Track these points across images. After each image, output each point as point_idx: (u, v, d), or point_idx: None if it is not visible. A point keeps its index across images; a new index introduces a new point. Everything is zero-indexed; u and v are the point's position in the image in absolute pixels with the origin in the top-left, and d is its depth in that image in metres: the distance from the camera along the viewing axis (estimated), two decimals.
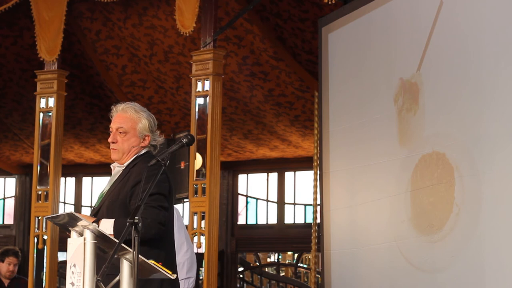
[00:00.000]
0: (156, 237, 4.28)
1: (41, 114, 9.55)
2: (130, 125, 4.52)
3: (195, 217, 8.20)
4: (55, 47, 9.41)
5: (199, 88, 8.34)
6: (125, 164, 4.55)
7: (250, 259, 13.74)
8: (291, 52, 9.86)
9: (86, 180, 14.08)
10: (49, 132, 9.47)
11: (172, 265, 4.41)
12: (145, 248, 3.93)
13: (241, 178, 13.26)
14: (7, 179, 14.25)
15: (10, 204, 14.22)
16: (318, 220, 8.31)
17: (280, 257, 13.80)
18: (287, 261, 13.78)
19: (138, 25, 10.16)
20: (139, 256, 3.83)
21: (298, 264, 13.28)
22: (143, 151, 4.58)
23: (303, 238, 10.90)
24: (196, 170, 8.26)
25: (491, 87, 5.53)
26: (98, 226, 4.14)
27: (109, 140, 4.54)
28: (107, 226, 4.29)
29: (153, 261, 4.00)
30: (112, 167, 4.64)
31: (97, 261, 3.99)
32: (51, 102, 9.53)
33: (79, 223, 4.05)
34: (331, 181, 7.50)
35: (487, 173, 5.50)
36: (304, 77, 10.09)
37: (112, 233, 4.22)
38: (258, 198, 13.19)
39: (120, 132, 4.52)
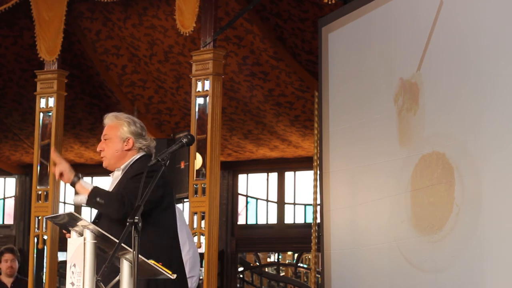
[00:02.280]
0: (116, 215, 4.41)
1: (41, 114, 9.54)
2: (112, 132, 4.74)
3: (195, 217, 8.20)
4: (55, 47, 9.40)
5: (199, 88, 8.34)
6: (122, 167, 4.72)
7: (250, 259, 13.73)
8: (291, 52, 9.86)
9: (86, 180, 14.05)
10: (49, 132, 9.46)
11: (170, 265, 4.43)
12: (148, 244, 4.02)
13: (241, 178, 13.26)
14: (7, 179, 14.25)
15: (10, 204, 14.21)
16: (318, 220, 8.31)
17: (280, 257, 13.80)
18: (287, 261, 13.77)
19: (138, 25, 10.15)
20: (139, 256, 3.84)
21: (298, 264, 13.28)
22: (139, 155, 4.73)
23: (303, 238, 10.89)
24: (196, 170, 8.25)
25: (491, 87, 5.53)
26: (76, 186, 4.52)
27: (97, 149, 4.81)
28: (87, 186, 4.51)
29: (153, 261, 4.01)
30: (111, 174, 4.82)
31: (97, 261, 4.00)
32: (51, 102, 9.52)
33: (79, 223, 4.05)
34: (331, 181, 7.50)
35: (487, 173, 5.50)
36: (304, 77, 10.09)
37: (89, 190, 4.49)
38: (258, 198, 13.19)
39: (105, 140, 4.76)
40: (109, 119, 4.79)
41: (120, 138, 4.71)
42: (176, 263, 4.60)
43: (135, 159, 4.70)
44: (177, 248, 4.70)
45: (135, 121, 4.78)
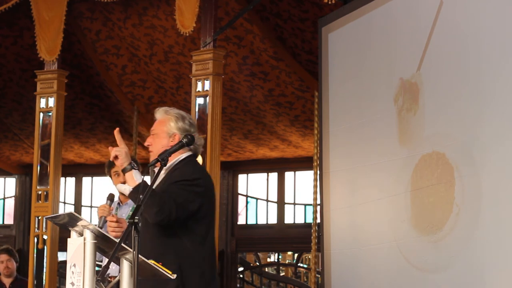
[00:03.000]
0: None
1: (41, 114, 9.54)
2: (159, 127, 4.69)
3: None
4: (55, 47, 9.40)
5: (199, 88, 8.34)
6: (166, 166, 4.60)
7: (250, 259, 13.73)
8: (291, 52, 9.86)
9: (86, 180, 14.07)
10: (49, 132, 9.46)
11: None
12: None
13: (241, 178, 13.26)
14: (7, 179, 14.25)
15: (10, 204, 14.21)
16: (318, 220, 8.31)
17: (280, 257, 13.80)
18: (287, 261, 13.78)
19: (138, 25, 10.16)
20: (139, 256, 3.84)
21: (298, 264, 13.28)
22: (184, 155, 4.66)
23: (303, 238, 10.90)
24: None
25: (491, 87, 5.53)
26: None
27: (145, 144, 4.76)
28: (136, 178, 4.49)
29: (153, 261, 4.01)
30: (150, 169, 4.79)
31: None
32: (51, 102, 9.52)
33: (79, 223, 4.05)
34: (331, 181, 7.50)
35: (487, 173, 5.50)
36: (304, 77, 10.09)
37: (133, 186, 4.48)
38: (258, 198, 13.19)
39: (152, 135, 4.70)
40: (159, 113, 4.74)
41: (166, 133, 4.66)
42: (208, 272, 4.61)
43: (180, 159, 4.62)
44: (211, 257, 4.67)
45: (184, 117, 4.71)
